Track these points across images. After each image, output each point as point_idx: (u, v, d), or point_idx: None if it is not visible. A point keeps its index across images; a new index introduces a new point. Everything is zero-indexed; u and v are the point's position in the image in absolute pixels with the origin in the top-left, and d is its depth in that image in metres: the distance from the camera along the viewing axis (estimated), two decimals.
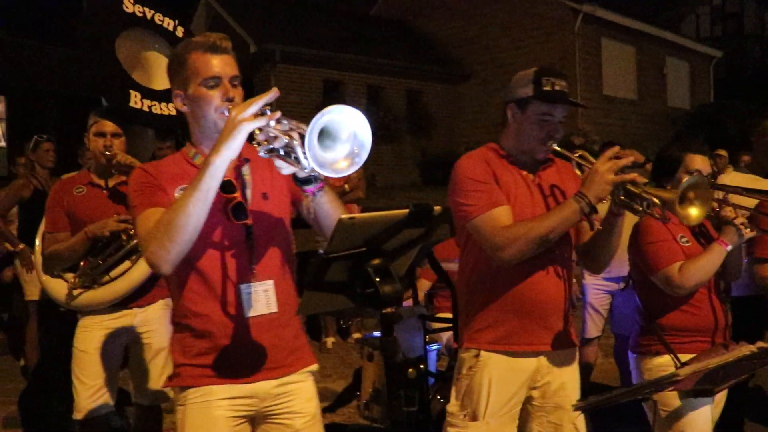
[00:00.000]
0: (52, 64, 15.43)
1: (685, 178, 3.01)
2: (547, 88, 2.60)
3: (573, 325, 2.81)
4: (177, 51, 2.22)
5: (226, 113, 2.02)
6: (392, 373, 1.68)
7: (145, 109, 3.75)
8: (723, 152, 8.76)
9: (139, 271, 3.47)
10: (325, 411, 5.27)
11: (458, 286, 2.93)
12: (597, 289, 5.31)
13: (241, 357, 2.17)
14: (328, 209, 2.09)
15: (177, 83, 2.20)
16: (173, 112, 3.87)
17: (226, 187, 2.11)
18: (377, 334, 4.53)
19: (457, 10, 18.95)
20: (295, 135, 1.75)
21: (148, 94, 3.78)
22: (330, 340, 6.82)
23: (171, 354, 2.28)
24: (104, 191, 3.57)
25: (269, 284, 2.19)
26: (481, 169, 2.65)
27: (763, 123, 4.43)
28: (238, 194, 2.15)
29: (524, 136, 2.68)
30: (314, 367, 2.36)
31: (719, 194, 3.39)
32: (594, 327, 5.35)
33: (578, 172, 2.81)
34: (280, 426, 2.25)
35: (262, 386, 2.21)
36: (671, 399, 2.91)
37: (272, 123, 1.84)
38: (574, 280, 5.34)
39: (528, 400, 2.72)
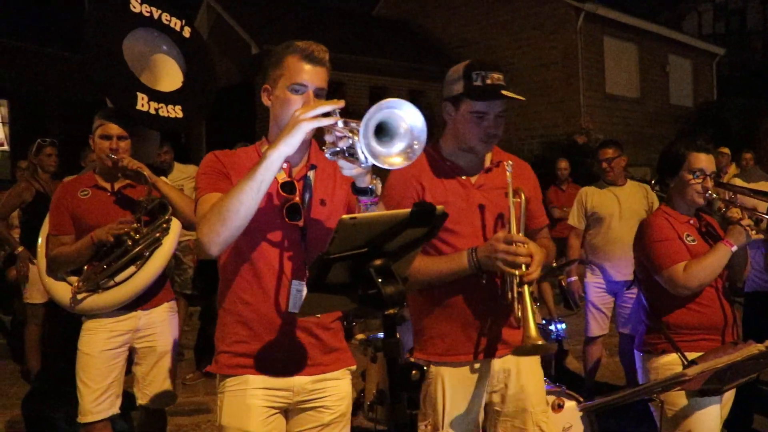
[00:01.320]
0: (55, 69, 15.48)
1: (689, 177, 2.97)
2: (478, 83, 2.48)
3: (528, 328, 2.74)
4: (277, 49, 2.29)
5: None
6: (395, 375, 1.65)
7: (152, 111, 3.68)
8: (726, 150, 8.75)
9: (144, 276, 3.45)
10: None
11: (408, 296, 2.88)
12: (598, 287, 5.29)
13: (278, 351, 2.25)
14: None
15: (268, 79, 2.29)
16: (180, 115, 3.83)
17: (286, 187, 2.24)
18: (381, 335, 4.51)
19: (458, 10, 18.92)
20: (358, 132, 1.80)
21: (155, 96, 3.72)
22: None
23: (214, 340, 2.38)
24: (110, 195, 3.54)
25: None
26: (407, 185, 2.58)
27: None
28: (296, 196, 2.26)
29: (461, 135, 2.58)
30: (352, 366, 2.44)
31: (726, 194, 3.37)
32: (597, 326, 5.33)
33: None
34: (309, 418, 2.33)
35: (298, 381, 2.29)
36: (678, 398, 2.89)
37: (340, 124, 1.91)
38: (575, 278, 5.32)
39: (489, 405, 2.67)
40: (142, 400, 3.63)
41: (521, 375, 2.66)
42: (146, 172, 3.42)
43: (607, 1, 17.58)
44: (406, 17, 20.19)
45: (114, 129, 3.48)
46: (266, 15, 17.14)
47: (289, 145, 1.98)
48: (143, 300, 3.52)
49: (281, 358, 2.26)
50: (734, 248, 2.94)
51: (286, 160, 2.19)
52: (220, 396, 2.31)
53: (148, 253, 3.47)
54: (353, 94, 16.72)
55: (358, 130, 1.78)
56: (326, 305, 1.91)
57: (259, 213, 2.08)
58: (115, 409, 3.51)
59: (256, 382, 2.25)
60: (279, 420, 2.32)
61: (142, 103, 3.65)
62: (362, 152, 1.73)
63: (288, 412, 2.34)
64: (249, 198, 2.00)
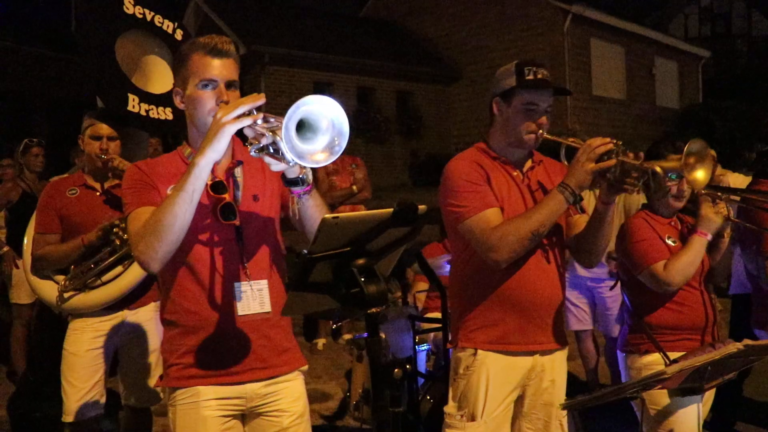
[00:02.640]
0: (41, 69, 15.39)
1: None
2: (530, 77, 2.63)
3: (564, 324, 2.83)
4: (181, 49, 2.25)
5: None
6: (378, 374, 1.67)
7: (143, 113, 3.69)
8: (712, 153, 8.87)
9: (131, 276, 3.45)
10: (315, 412, 5.26)
11: (451, 284, 2.91)
12: (569, 282, 5.26)
13: (229, 356, 2.20)
14: (313, 213, 2.11)
15: (178, 81, 2.24)
16: (170, 117, 3.83)
17: (217, 187, 2.18)
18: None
19: (446, 12, 18.98)
20: (279, 131, 1.77)
21: (146, 97, 3.73)
22: (321, 342, 6.81)
23: (161, 354, 2.32)
24: (99, 194, 3.54)
25: (263, 284, 2.23)
26: (473, 170, 2.64)
27: None
28: (227, 195, 2.20)
29: (511, 128, 2.68)
30: (304, 367, 2.39)
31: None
32: (574, 319, 5.20)
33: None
34: (268, 423, 2.29)
35: (250, 387, 2.24)
36: (659, 397, 2.92)
37: (259, 122, 1.88)
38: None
39: (519, 397, 2.71)
40: (127, 399, 3.63)
41: (554, 370, 2.72)
42: None
43: (594, 3, 17.69)
44: (393, 19, 20.22)
45: (104, 129, 3.48)
46: (254, 16, 17.12)
47: (216, 150, 1.94)
48: (130, 300, 3.51)
49: (232, 362, 2.21)
50: (708, 237, 2.97)
51: None
52: (172, 409, 2.24)
53: None
54: (341, 95, 16.72)
55: (278, 128, 1.77)
56: (308, 304, 1.92)
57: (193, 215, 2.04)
58: (100, 409, 3.51)
59: (208, 392, 2.19)
60: (236, 426, 2.27)
61: (133, 104, 3.65)
62: (287, 153, 1.72)
63: (244, 417, 2.30)
64: (182, 210, 1.96)
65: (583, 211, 2.76)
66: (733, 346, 2.42)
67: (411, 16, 19.89)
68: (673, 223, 3.17)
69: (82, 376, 3.44)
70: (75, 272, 3.43)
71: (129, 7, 3.75)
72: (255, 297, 2.20)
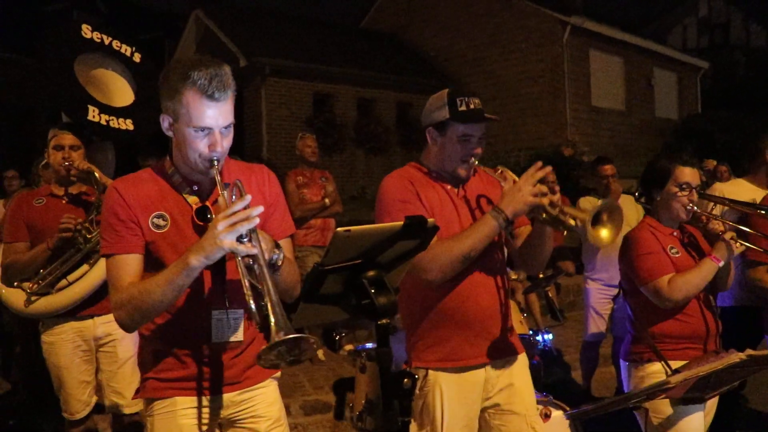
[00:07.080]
0: (9, 76, 15.24)
1: (673, 189, 3.06)
2: (463, 108, 2.65)
3: (514, 331, 2.83)
4: (173, 76, 2.09)
5: (214, 159, 2.10)
6: (387, 384, 1.70)
7: (103, 122, 3.92)
8: (713, 164, 8.95)
9: (97, 273, 3.52)
10: (317, 423, 5.28)
11: (399, 305, 2.91)
12: (599, 293, 5.42)
13: (202, 374, 2.24)
14: (284, 284, 2.17)
15: (167, 108, 2.12)
16: (131, 127, 4.05)
17: (201, 213, 2.18)
18: (369, 345, 4.56)
19: (446, 24, 19.05)
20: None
21: (105, 109, 3.98)
22: (320, 352, 6.82)
23: (138, 366, 2.37)
24: (63, 200, 3.63)
25: (240, 313, 2.26)
26: (403, 187, 2.67)
27: None
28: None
29: (446, 157, 2.71)
30: (277, 374, 2.43)
31: (708, 208, 3.44)
32: (596, 329, 5.45)
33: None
34: (245, 430, 2.32)
35: (224, 397, 2.28)
36: (663, 406, 2.93)
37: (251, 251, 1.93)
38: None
39: (483, 410, 2.72)
40: (111, 407, 3.72)
41: (513, 379, 2.72)
42: (97, 173, 3.50)
43: (593, 14, 17.77)
44: (393, 30, 20.30)
45: (66, 139, 3.61)
46: (254, 28, 17.18)
47: (210, 259, 1.96)
48: (95, 303, 3.58)
49: (205, 379, 2.25)
50: (720, 263, 3.01)
51: (197, 183, 2.20)
52: (149, 419, 2.27)
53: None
54: (341, 106, 16.78)
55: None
56: (319, 315, 1.95)
57: (177, 244, 2.11)
58: (94, 398, 3.69)
59: (185, 402, 2.24)
60: None
61: (93, 114, 3.88)
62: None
63: (222, 426, 2.33)
64: (167, 298, 2.03)
65: (513, 237, 2.81)
66: (736, 356, 2.44)
67: (411, 27, 19.97)
68: (675, 234, 3.21)
69: (73, 384, 3.60)
70: (42, 275, 3.52)
71: (87, 33, 4.07)
72: (230, 326, 2.23)
